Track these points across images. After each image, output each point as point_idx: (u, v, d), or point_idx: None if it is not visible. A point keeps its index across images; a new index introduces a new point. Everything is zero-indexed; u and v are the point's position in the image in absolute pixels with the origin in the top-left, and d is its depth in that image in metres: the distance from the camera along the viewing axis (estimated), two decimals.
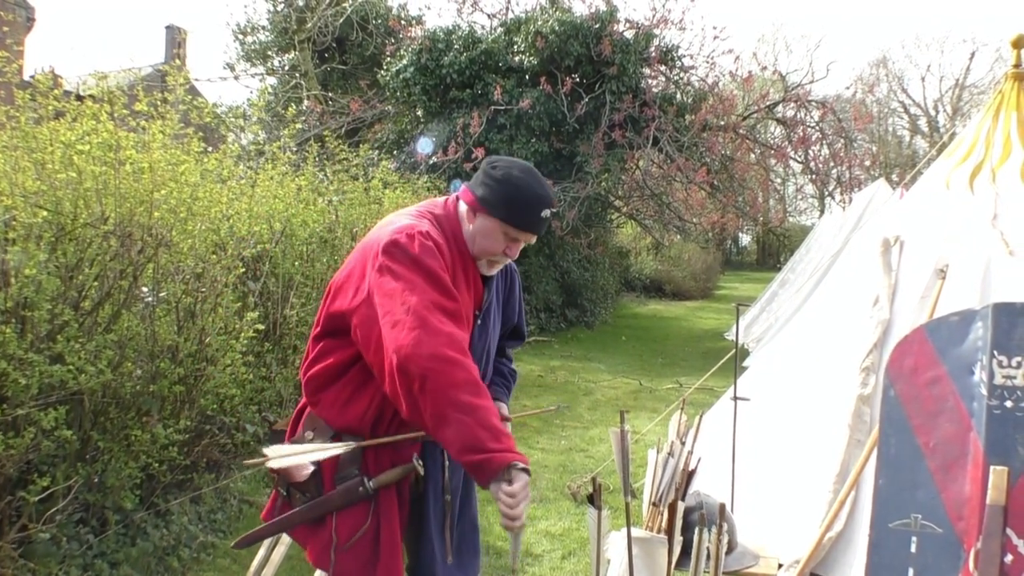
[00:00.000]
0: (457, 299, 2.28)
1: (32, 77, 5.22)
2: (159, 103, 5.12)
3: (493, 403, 2.19)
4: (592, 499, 2.61)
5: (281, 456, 2.29)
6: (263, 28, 18.12)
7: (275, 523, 2.50)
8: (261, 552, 3.48)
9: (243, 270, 5.22)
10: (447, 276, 2.30)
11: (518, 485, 2.10)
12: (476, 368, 2.19)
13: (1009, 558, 2.59)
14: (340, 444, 2.36)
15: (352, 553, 2.41)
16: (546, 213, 2.45)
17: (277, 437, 4.51)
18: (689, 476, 3.02)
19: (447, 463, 2.58)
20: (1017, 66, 4.79)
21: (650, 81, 13.99)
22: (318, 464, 2.41)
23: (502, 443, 2.10)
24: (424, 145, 12.97)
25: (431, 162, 12.64)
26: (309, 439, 2.45)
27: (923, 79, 41.27)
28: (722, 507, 2.79)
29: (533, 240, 2.52)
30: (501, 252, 2.48)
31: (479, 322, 2.57)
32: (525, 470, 2.12)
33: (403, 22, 16.59)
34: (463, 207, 2.52)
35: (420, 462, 2.49)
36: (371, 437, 2.41)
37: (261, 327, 5.14)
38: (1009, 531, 2.59)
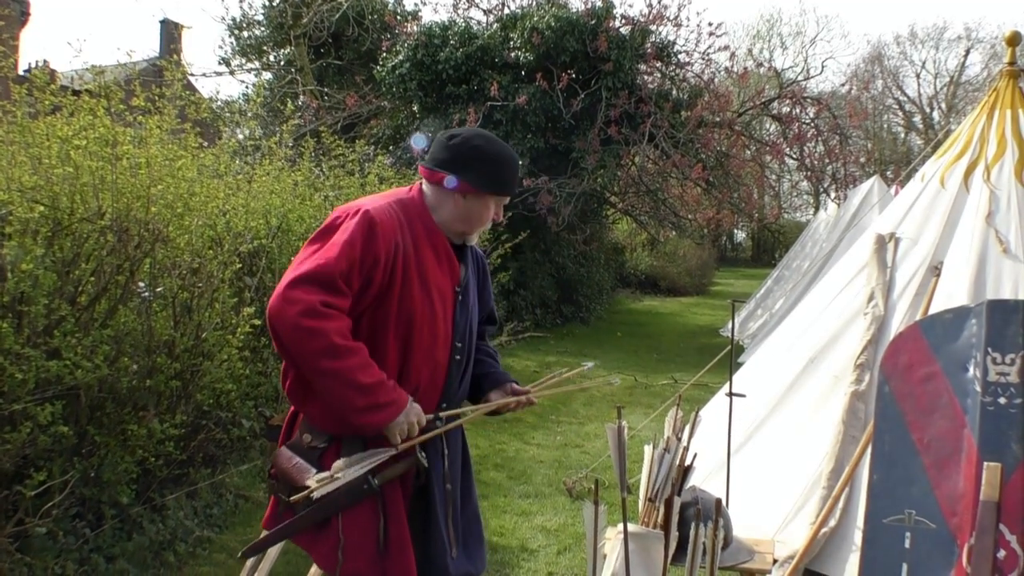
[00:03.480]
0: (344, 267, 2.31)
1: (28, 72, 5.21)
2: (156, 98, 5.12)
3: (360, 357, 2.28)
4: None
5: (324, 484, 2.31)
6: (258, 23, 18.04)
7: (280, 529, 2.48)
8: None
9: (239, 265, 5.22)
10: (362, 249, 2.33)
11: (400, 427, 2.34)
12: (337, 326, 2.26)
13: (1002, 554, 2.61)
14: (381, 451, 2.40)
15: (361, 552, 2.40)
16: (518, 169, 2.61)
17: (274, 432, 4.53)
18: (685, 472, 3.03)
19: (446, 453, 2.60)
20: (1012, 63, 4.81)
21: (646, 77, 13.98)
22: (320, 468, 2.40)
23: (371, 399, 2.26)
24: (419, 140, 12.94)
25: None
26: (308, 442, 2.46)
27: (918, 76, 41.18)
28: (718, 502, 2.81)
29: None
30: (490, 220, 2.60)
31: (460, 299, 2.60)
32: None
33: (399, 18, 16.55)
34: (431, 190, 2.58)
35: (423, 454, 2.50)
36: (371, 436, 2.41)
37: (258, 322, 5.13)
38: (1002, 527, 2.61)
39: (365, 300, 2.39)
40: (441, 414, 2.55)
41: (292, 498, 2.36)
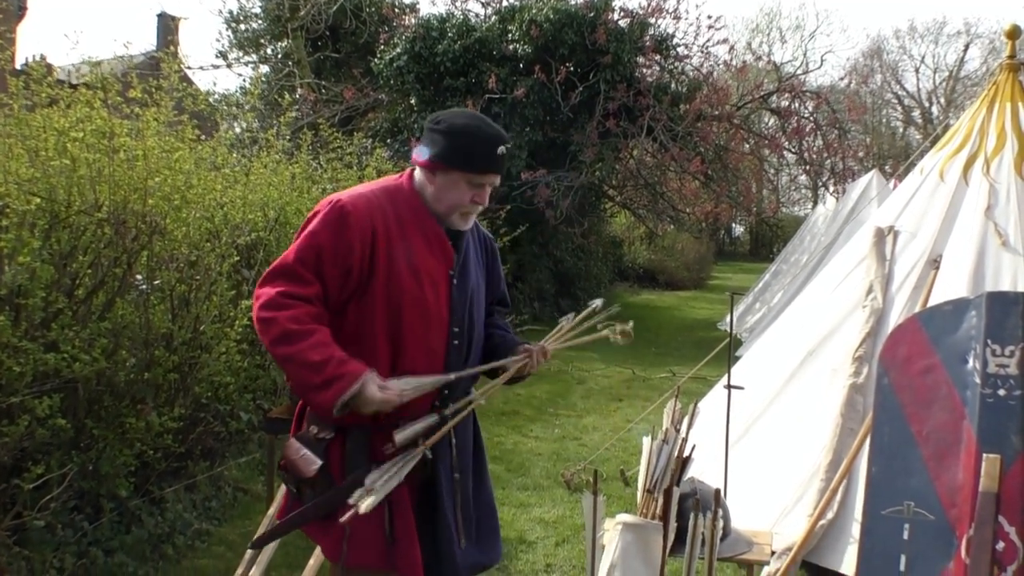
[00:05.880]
0: (308, 255, 2.36)
1: (25, 65, 5.19)
2: (153, 90, 5.10)
3: (314, 338, 2.29)
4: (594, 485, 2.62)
5: (363, 499, 2.31)
6: (256, 16, 17.98)
7: (287, 521, 2.47)
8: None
9: (237, 258, 5.21)
10: (332, 238, 2.36)
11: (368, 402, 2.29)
12: (292, 314, 2.29)
13: (1001, 545, 2.61)
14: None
15: (369, 544, 2.39)
16: (501, 150, 2.49)
17: (272, 424, 4.54)
18: (683, 463, 3.03)
19: (455, 442, 2.58)
20: (1011, 57, 4.80)
21: (644, 70, 13.95)
22: (326, 459, 2.39)
23: (323, 375, 2.24)
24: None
25: None
26: (315, 433, 2.44)
27: (917, 70, 41.09)
28: (716, 493, 2.81)
29: (497, 181, 2.55)
30: (470, 202, 2.50)
31: (455, 282, 2.54)
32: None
33: (397, 10, 16.50)
34: (419, 174, 2.55)
35: (424, 444, 2.47)
36: (374, 425, 2.40)
37: None
38: (1001, 518, 2.61)
39: (348, 288, 2.40)
40: (448, 411, 2.51)
41: (360, 503, 2.31)
